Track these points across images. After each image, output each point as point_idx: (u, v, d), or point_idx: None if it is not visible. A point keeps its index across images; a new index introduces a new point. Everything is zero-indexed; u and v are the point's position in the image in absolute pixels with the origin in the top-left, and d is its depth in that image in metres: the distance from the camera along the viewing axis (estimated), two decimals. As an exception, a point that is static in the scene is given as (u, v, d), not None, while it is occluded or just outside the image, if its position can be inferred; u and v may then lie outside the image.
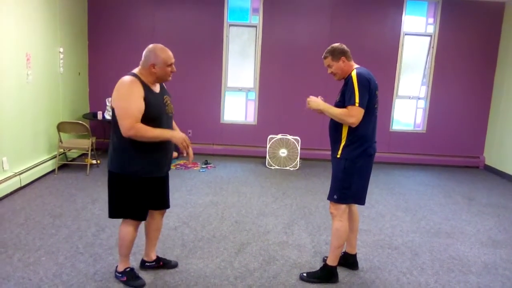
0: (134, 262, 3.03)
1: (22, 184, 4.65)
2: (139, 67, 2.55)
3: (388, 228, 4.06)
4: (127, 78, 2.47)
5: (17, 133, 4.67)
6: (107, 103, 6.12)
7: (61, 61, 5.66)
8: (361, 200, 2.97)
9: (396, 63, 6.74)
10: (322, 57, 2.85)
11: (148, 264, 2.99)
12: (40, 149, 5.25)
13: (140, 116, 2.41)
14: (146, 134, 2.41)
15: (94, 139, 5.62)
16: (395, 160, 6.97)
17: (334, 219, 2.88)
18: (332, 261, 2.93)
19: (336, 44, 2.82)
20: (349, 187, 2.81)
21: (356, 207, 3.08)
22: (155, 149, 2.55)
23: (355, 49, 6.56)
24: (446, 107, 6.88)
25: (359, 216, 4.27)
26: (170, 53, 2.53)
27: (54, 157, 5.42)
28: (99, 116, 6.16)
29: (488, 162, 6.90)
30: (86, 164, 5.45)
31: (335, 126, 2.83)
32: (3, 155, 4.43)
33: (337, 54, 2.78)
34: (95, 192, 4.68)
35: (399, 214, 4.50)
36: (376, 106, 2.80)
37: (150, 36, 6.59)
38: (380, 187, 5.53)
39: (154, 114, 2.48)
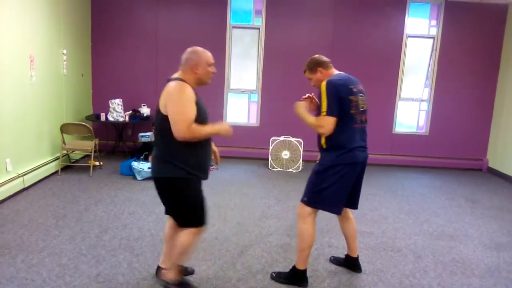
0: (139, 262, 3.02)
1: (25, 186, 4.67)
2: (180, 71, 2.53)
3: (390, 231, 4.05)
4: (176, 82, 2.43)
5: (20, 135, 4.69)
6: (110, 105, 6.14)
7: (65, 62, 5.68)
8: (334, 209, 2.84)
9: (399, 65, 6.73)
10: (303, 71, 2.87)
11: (165, 271, 2.82)
12: (43, 150, 5.27)
13: (193, 119, 2.38)
14: (201, 134, 2.42)
15: (97, 141, 5.63)
16: (398, 162, 6.95)
17: (299, 220, 2.85)
18: (299, 264, 2.90)
19: (314, 56, 2.84)
20: (319, 192, 2.75)
21: (350, 210, 3.04)
22: (201, 154, 2.53)
23: (358, 51, 6.65)
24: (449, 109, 6.87)
25: (362, 218, 4.29)
26: (210, 54, 2.56)
27: (57, 158, 5.43)
28: (102, 118, 6.18)
29: (492, 164, 6.88)
30: (89, 166, 5.47)
31: (318, 135, 2.84)
32: (7, 157, 4.45)
33: (313, 66, 2.79)
34: (98, 193, 4.69)
35: (401, 216, 4.49)
36: (353, 111, 2.68)
37: (153, 38, 6.62)
38: (383, 189, 5.52)
39: (203, 119, 2.48)
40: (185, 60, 2.50)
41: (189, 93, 2.41)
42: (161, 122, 2.45)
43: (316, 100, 2.91)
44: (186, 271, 2.95)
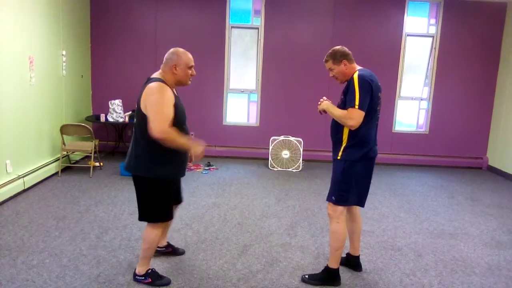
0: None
1: (26, 187, 4.67)
2: (160, 70, 2.63)
3: (391, 230, 4.05)
4: (156, 83, 2.51)
5: (20, 136, 4.69)
6: (110, 106, 6.15)
7: (64, 63, 5.68)
8: (360, 203, 2.95)
9: (398, 64, 6.73)
10: (324, 60, 2.83)
11: (159, 249, 3.14)
12: (43, 151, 5.27)
13: (170, 121, 2.48)
14: (175, 141, 2.49)
15: (97, 142, 5.63)
16: (398, 161, 6.96)
17: (332, 221, 2.86)
18: (333, 264, 2.92)
19: (337, 47, 2.79)
20: (347, 190, 2.79)
21: (358, 209, 3.06)
22: (180, 154, 2.64)
23: (357, 50, 6.57)
24: (448, 108, 6.87)
25: (362, 217, 4.29)
26: (191, 56, 2.66)
27: (57, 159, 5.43)
28: (102, 119, 6.18)
29: (491, 163, 6.88)
30: (89, 167, 5.47)
31: (337, 128, 2.81)
32: (7, 158, 4.45)
33: (338, 57, 2.74)
34: (98, 194, 4.69)
35: (402, 215, 4.49)
36: (378, 108, 2.78)
37: (152, 39, 6.62)
38: (383, 188, 5.52)
39: (181, 119, 2.59)
40: (166, 60, 2.60)
41: (169, 95, 2.50)
42: (141, 121, 2.54)
43: (328, 100, 2.90)
44: (178, 251, 3.23)
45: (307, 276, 2.97)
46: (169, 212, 2.75)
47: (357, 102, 2.60)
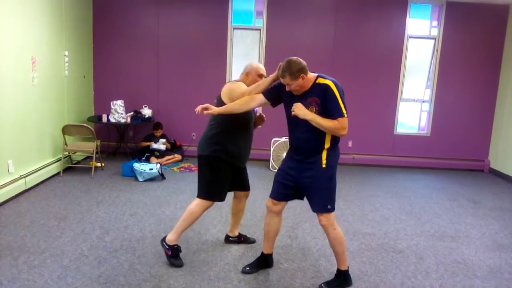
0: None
1: (27, 187, 4.68)
2: (239, 77, 3.27)
3: (392, 232, 4.05)
4: (235, 82, 3.16)
5: (22, 136, 4.70)
6: (112, 106, 6.16)
7: (66, 64, 5.70)
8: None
9: (400, 66, 6.73)
10: (280, 75, 2.68)
11: (231, 239, 3.54)
12: (45, 152, 5.28)
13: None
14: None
15: (98, 142, 5.64)
16: (399, 164, 6.95)
17: (329, 229, 2.79)
18: (342, 266, 2.91)
19: (293, 60, 2.63)
20: (334, 193, 2.80)
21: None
22: (237, 140, 3.07)
23: (359, 52, 6.65)
24: (450, 110, 6.86)
25: (364, 219, 4.29)
26: (262, 67, 3.25)
27: (59, 159, 5.44)
28: (104, 119, 6.19)
29: (493, 165, 6.87)
30: (91, 167, 5.48)
31: (314, 137, 2.71)
32: (9, 158, 4.46)
33: (295, 72, 2.61)
34: (99, 194, 4.70)
35: (403, 217, 4.49)
36: None
37: (155, 39, 6.63)
38: (385, 190, 5.51)
39: (246, 115, 3.10)
40: (244, 69, 3.27)
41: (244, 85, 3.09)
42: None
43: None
44: (249, 240, 3.57)
45: (324, 285, 2.92)
46: (216, 193, 3.07)
47: (344, 111, 2.59)
